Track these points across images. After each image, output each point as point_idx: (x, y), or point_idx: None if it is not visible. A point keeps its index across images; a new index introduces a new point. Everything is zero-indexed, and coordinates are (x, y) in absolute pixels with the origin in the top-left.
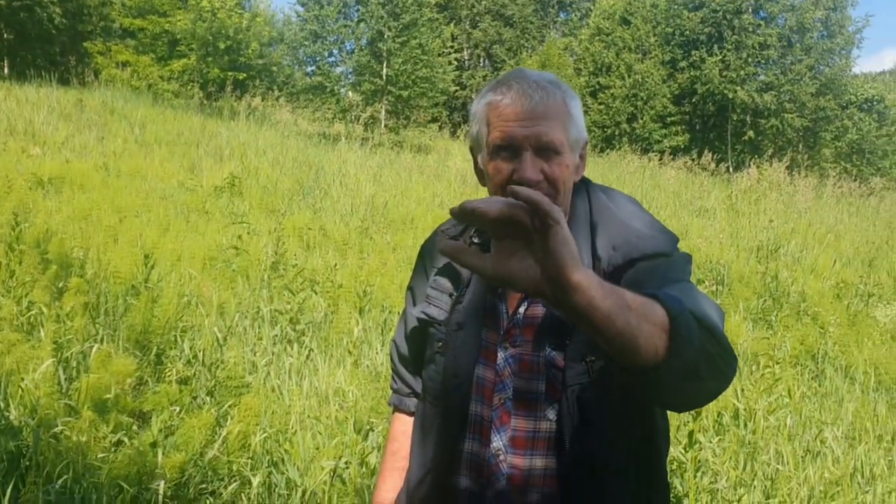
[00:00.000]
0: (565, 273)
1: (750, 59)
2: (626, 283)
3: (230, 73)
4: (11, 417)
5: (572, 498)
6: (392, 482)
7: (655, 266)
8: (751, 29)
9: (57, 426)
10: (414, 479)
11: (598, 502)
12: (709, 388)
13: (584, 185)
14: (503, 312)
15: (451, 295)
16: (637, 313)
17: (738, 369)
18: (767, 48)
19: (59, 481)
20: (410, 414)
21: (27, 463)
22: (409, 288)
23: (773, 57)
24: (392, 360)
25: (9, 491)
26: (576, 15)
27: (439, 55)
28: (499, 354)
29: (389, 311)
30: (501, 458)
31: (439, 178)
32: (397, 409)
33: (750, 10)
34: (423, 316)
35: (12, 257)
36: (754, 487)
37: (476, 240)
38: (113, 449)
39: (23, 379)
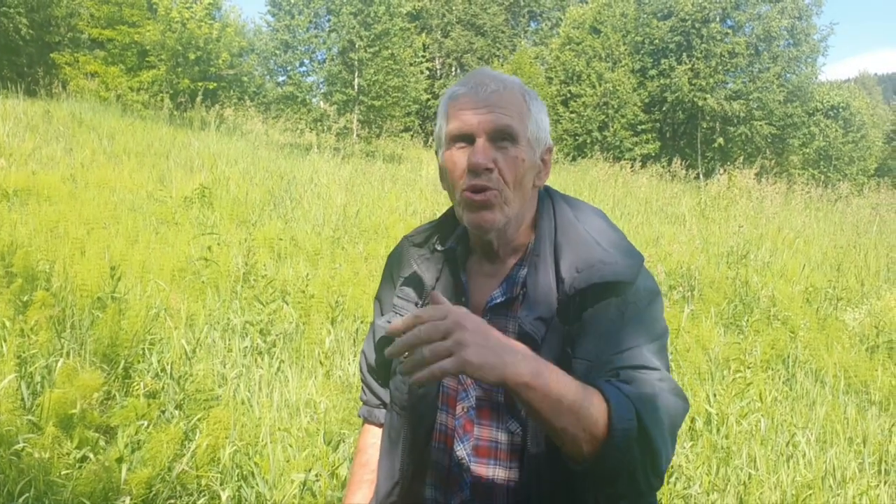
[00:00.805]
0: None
1: (719, 68)
2: (590, 329)
3: (200, 84)
4: None
5: None
6: (361, 494)
7: (622, 321)
8: (719, 38)
9: (18, 443)
10: (382, 489)
11: None
12: (619, 495)
13: (548, 197)
14: None
15: (416, 304)
16: (570, 416)
17: (711, 376)
18: (735, 56)
19: (21, 499)
20: (380, 425)
21: None
22: (377, 298)
23: (742, 65)
24: (361, 370)
25: None
26: (546, 24)
27: (411, 65)
28: None
29: (362, 322)
30: (465, 466)
31: (412, 186)
32: (367, 420)
33: (718, 18)
34: (388, 325)
35: None
36: (727, 492)
37: (439, 247)
38: (78, 465)
39: None
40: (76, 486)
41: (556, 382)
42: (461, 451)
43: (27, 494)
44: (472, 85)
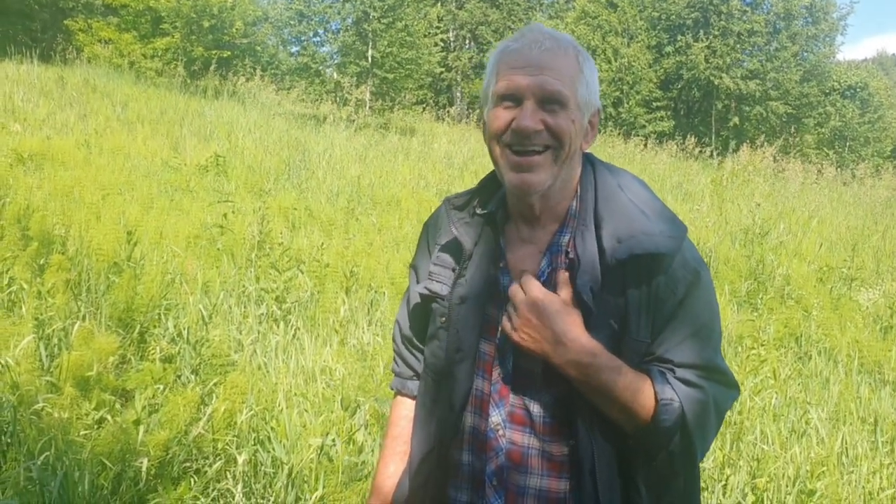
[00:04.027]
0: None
1: (736, 46)
2: (642, 307)
3: (214, 52)
4: None
5: (577, 482)
6: (394, 467)
7: (675, 303)
8: (737, 15)
9: (38, 403)
10: (417, 455)
11: (593, 488)
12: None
13: (590, 164)
14: (506, 287)
15: (453, 269)
16: (616, 409)
17: (725, 353)
18: (754, 35)
19: (41, 458)
20: (412, 397)
21: (7, 440)
22: (413, 266)
23: (759, 44)
24: (394, 340)
25: None
26: None
27: (425, 36)
28: (499, 329)
29: (376, 291)
30: (500, 432)
31: (424, 159)
32: (399, 392)
33: None
34: (425, 292)
35: None
36: (740, 468)
37: (479, 211)
38: (95, 426)
39: (8, 353)
40: (94, 447)
41: (605, 381)
42: (497, 417)
43: (47, 453)
44: (526, 42)
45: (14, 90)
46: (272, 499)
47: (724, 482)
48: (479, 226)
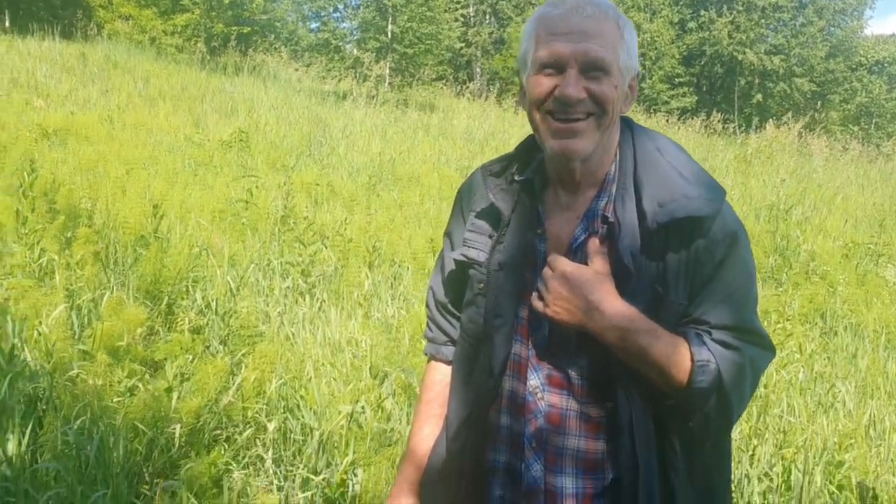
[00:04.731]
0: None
1: (761, 21)
2: (682, 270)
3: (234, 28)
4: (28, 361)
5: (614, 443)
6: (428, 429)
7: (713, 265)
8: None
9: (73, 370)
10: (455, 419)
11: (631, 448)
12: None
13: (628, 128)
14: (543, 253)
15: (490, 236)
16: (652, 371)
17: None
18: (779, 10)
19: (77, 423)
20: (447, 362)
21: (44, 406)
22: (447, 233)
23: (785, 19)
24: (428, 306)
25: (28, 432)
26: None
27: (445, 12)
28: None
29: (399, 266)
30: (539, 395)
31: (444, 135)
32: (433, 357)
33: None
34: (462, 258)
35: (25, 204)
36: (766, 440)
37: (517, 177)
38: (128, 394)
39: (40, 323)
40: (127, 413)
41: (642, 345)
42: (535, 380)
43: (83, 418)
44: (567, 8)
45: (37, 66)
46: (302, 464)
47: (751, 452)
48: (516, 192)
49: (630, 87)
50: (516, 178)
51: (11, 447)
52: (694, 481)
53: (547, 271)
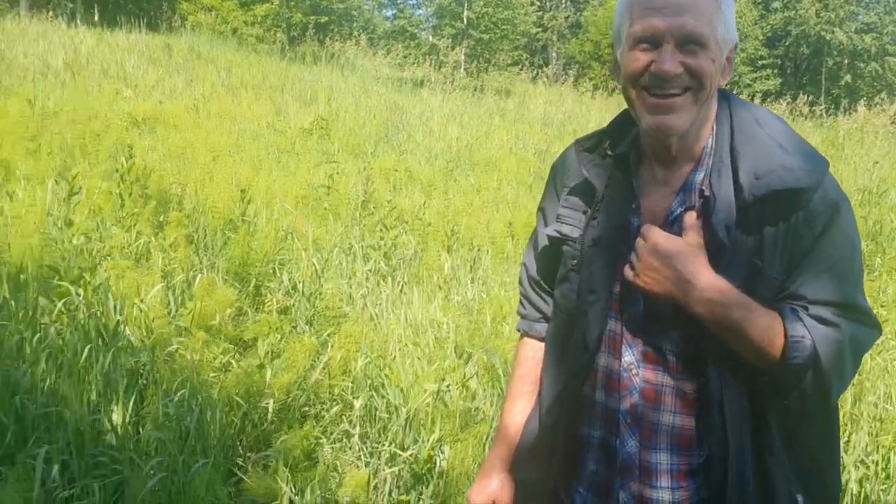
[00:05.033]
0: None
1: None
2: (779, 243)
3: (312, 18)
4: (129, 337)
5: (705, 420)
6: (521, 405)
7: (813, 239)
8: None
9: (172, 346)
10: (549, 395)
11: (721, 429)
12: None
13: (725, 100)
14: (637, 228)
15: (584, 212)
16: (749, 344)
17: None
18: None
19: (177, 395)
20: (539, 339)
21: (144, 380)
22: (540, 209)
23: None
24: (521, 283)
25: (130, 404)
26: None
27: None
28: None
29: (479, 250)
30: (634, 372)
31: (520, 121)
32: (526, 334)
33: None
34: (555, 234)
35: (123, 187)
36: (861, 427)
37: (610, 152)
38: (222, 370)
39: (142, 300)
40: (222, 388)
41: (734, 318)
42: (629, 356)
43: (182, 391)
44: None
45: (125, 58)
46: (388, 441)
47: (846, 439)
48: (610, 167)
49: (727, 59)
50: (610, 153)
51: (116, 417)
52: (796, 460)
53: (640, 241)
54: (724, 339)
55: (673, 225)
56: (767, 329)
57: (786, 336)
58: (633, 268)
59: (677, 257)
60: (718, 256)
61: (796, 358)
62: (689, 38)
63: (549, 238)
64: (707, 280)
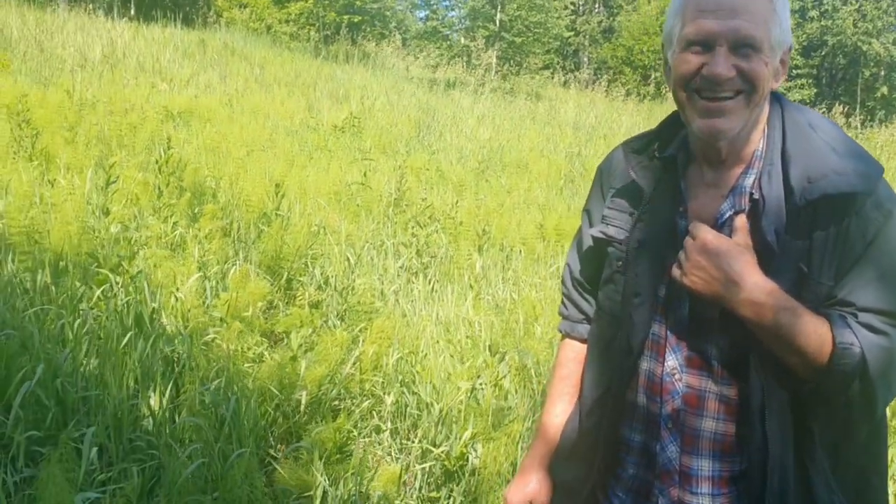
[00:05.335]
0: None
1: (890, 9)
2: (830, 248)
3: (345, 17)
4: (166, 325)
5: (746, 427)
6: (561, 406)
7: (864, 244)
8: None
9: (208, 334)
10: (590, 397)
11: (762, 437)
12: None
13: (777, 103)
14: (684, 231)
15: (630, 214)
16: (794, 350)
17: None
18: None
19: (213, 384)
20: (581, 340)
21: (179, 368)
22: (586, 209)
23: None
24: (564, 283)
25: (167, 391)
26: None
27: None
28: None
29: (511, 250)
30: (677, 377)
31: (551, 124)
32: (568, 335)
33: None
34: (600, 235)
35: (161, 178)
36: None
37: (658, 154)
38: (256, 361)
39: (178, 289)
40: (256, 379)
41: (780, 322)
42: (673, 361)
43: (219, 380)
44: None
45: (160, 52)
46: (418, 437)
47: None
48: (658, 169)
49: (782, 61)
50: (658, 154)
51: (153, 403)
52: (841, 471)
53: (688, 240)
54: (769, 343)
55: (722, 228)
56: (815, 334)
57: (834, 343)
58: (680, 266)
59: (725, 257)
60: (767, 260)
61: (844, 365)
62: (743, 42)
63: (595, 239)
64: (755, 282)
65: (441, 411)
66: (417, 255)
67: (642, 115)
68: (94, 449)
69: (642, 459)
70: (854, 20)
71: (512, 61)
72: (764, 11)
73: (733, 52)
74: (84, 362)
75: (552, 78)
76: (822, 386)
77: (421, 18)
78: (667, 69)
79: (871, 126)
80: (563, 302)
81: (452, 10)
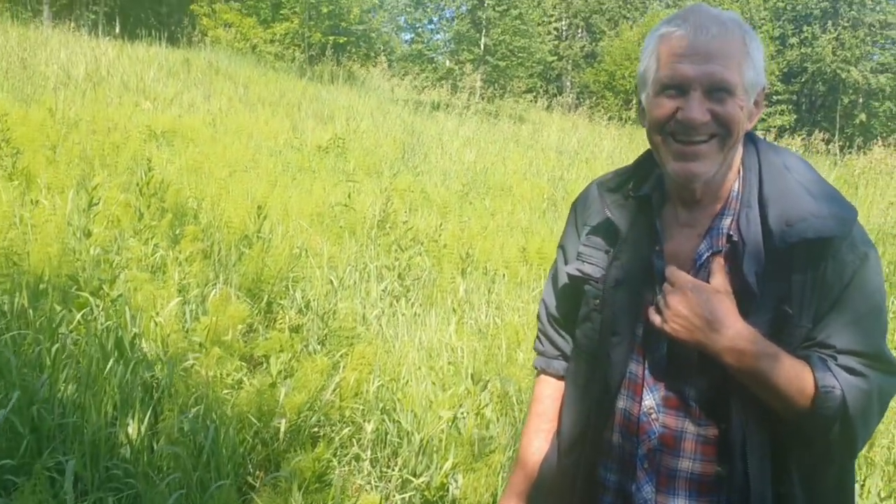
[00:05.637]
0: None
1: (867, 38)
2: (807, 291)
3: (331, 38)
4: (145, 350)
5: (726, 466)
6: (538, 444)
7: (842, 287)
8: (870, 5)
9: (188, 360)
10: (569, 435)
11: (743, 472)
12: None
13: (752, 144)
14: (660, 270)
15: (606, 252)
16: (776, 394)
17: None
18: (888, 27)
19: (193, 411)
20: (557, 377)
21: (158, 395)
22: (560, 245)
23: (894, 37)
24: (540, 319)
25: (146, 418)
26: None
27: (539, 25)
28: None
29: (495, 273)
30: (654, 416)
31: (534, 147)
32: (544, 371)
33: None
34: (577, 273)
35: (142, 200)
36: (874, 472)
37: (632, 193)
38: (235, 387)
39: (158, 314)
40: (234, 406)
41: (762, 369)
42: (650, 400)
43: (198, 407)
44: (690, 28)
45: (145, 71)
46: (398, 466)
47: (861, 482)
48: (633, 208)
49: (755, 102)
50: (633, 193)
51: (132, 430)
52: None
53: (667, 286)
54: (751, 388)
55: (700, 269)
56: (796, 379)
57: (816, 386)
58: (659, 312)
59: (707, 304)
60: (747, 303)
61: (826, 409)
62: (718, 86)
63: (571, 277)
64: (737, 329)
65: (422, 440)
66: (400, 279)
67: (624, 139)
68: (69, 478)
69: (618, 499)
70: (833, 48)
71: (496, 84)
72: (738, 55)
73: (708, 97)
74: (62, 388)
75: (535, 102)
76: (804, 428)
77: (406, 41)
78: (640, 109)
79: (850, 152)
80: (538, 338)
81: (437, 33)
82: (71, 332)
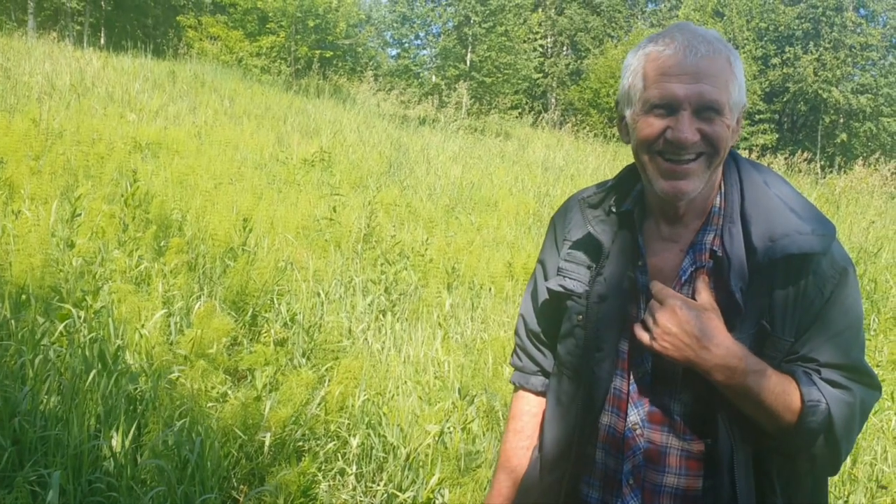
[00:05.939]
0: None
1: (848, 60)
2: (789, 307)
3: (317, 52)
4: (129, 362)
5: (713, 481)
6: (516, 461)
7: (822, 302)
8: (851, 27)
9: (173, 373)
10: (552, 451)
11: (730, 486)
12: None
13: (732, 160)
14: (644, 285)
15: (588, 267)
16: (763, 409)
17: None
18: (868, 48)
19: (179, 424)
20: (536, 393)
21: (143, 408)
22: (540, 260)
23: (874, 58)
24: (518, 335)
25: (131, 431)
26: (666, 5)
27: (524, 41)
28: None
29: (481, 287)
30: (638, 432)
31: (519, 163)
32: (522, 387)
33: (852, 7)
34: (559, 289)
35: (127, 212)
36: (858, 489)
37: (614, 209)
38: (219, 401)
39: (143, 326)
40: (219, 420)
41: (750, 385)
42: (635, 416)
43: (182, 421)
44: (679, 47)
45: (130, 82)
46: (383, 481)
47: (845, 499)
48: (615, 223)
49: (737, 120)
50: (614, 209)
51: (115, 444)
52: None
53: (654, 304)
54: (738, 403)
55: (685, 285)
56: (783, 395)
57: (803, 401)
58: (647, 329)
59: (695, 321)
60: (732, 318)
61: (812, 422)
62: (707, 106)
63: (552, 292)
64: (727, 347)
65: (408, 455)
66: (386, 293)
67: (608, 156)
68: (51, 491)
69: None
70: (815, 69)
71: (482, 100)
72: (725, 74)
73: (696, 116)
74: (44, 400)
75: (520, 118)
76: (790, 442)
77: (392, 56)
78: (623, 125)
79: (832, 172)
80: (516, 353)
81: (424, 48)
82: (53, 343)
